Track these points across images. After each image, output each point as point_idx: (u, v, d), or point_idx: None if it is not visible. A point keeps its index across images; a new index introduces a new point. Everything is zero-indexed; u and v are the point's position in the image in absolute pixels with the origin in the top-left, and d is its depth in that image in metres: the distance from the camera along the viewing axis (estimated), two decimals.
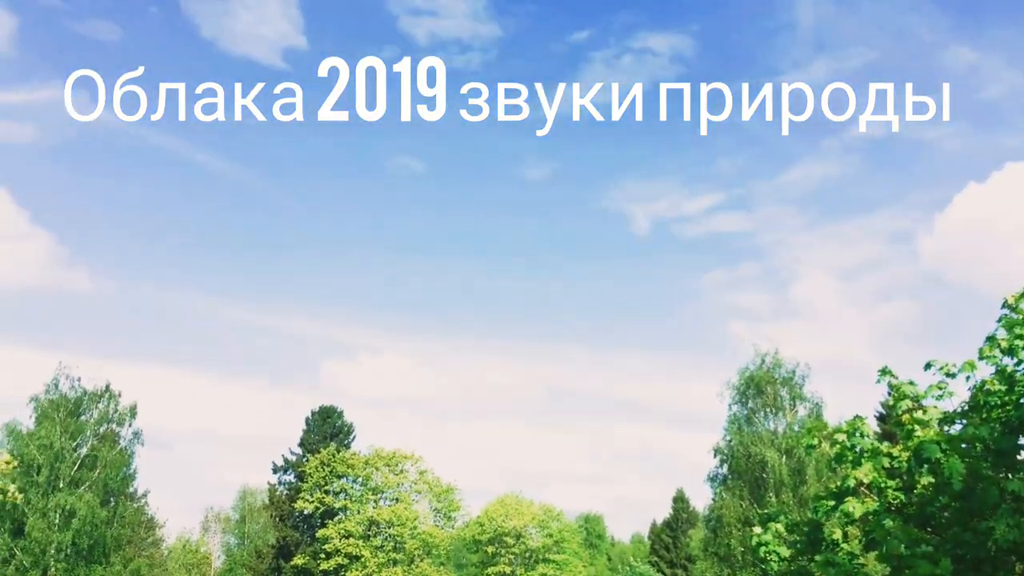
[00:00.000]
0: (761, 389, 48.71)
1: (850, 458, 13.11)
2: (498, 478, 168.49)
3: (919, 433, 12.52)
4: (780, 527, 14.42)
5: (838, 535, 13.35)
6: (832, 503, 13.14)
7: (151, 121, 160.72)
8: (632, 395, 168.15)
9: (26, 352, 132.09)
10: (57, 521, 47.16)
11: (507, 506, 75.31)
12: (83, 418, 50.27)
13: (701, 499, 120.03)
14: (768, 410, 48.38)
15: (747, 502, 45.74)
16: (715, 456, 49.49)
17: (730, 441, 48.68)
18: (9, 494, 18.26)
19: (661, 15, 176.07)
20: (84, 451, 49.51)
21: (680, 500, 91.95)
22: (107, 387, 51.70)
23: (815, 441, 13.88)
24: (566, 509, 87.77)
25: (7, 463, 18.20)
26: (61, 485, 47.95)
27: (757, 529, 14.61)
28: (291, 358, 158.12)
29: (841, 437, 13.23)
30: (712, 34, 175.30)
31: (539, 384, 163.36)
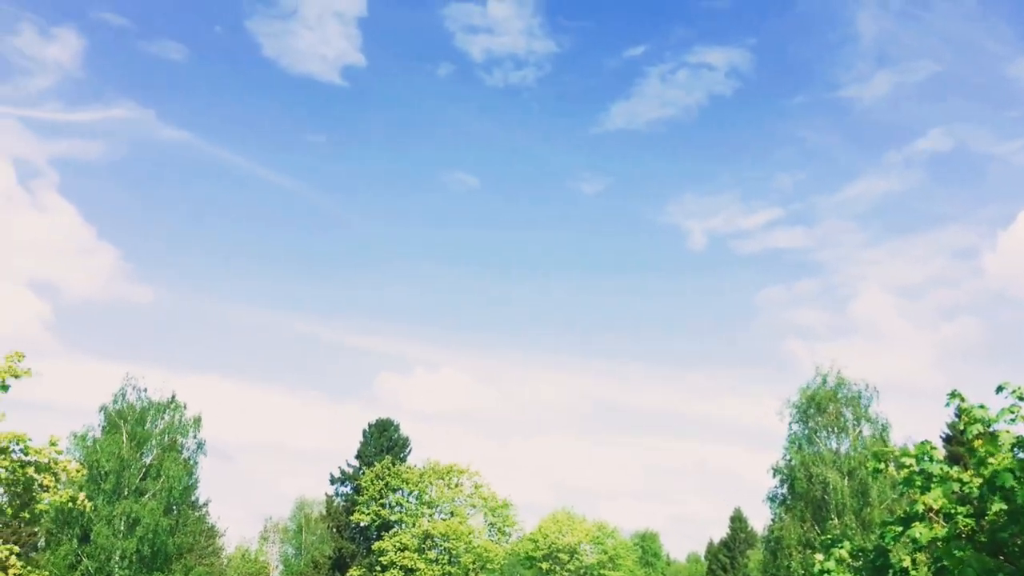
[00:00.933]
0: (823, 408, 47.71)
1: (919, 483, 12.75)
2: (552, 493, 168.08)
3: (992, 460, 12.12)
4: (844, 553, 14.05)
5: (907, 562, 12.96)
6: (899, 528, 12.77)
7: (213, 138, 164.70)
8: (688, 412, 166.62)
9: (94, 363, 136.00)
10: (122, 528, 48.08)
11: (560, 522, 74.95)
12: (149, 428, 51.21)
13: (760, 519, 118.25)
14: (830, 430, 47.36)
15: (808, 524, 44.75)
16: (774, 476, 48.58)
17: (790, 461, 47.74)
18: (79, 501, 18.73)
19: (718, 29, 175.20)
20: (149, 460, 50.47)
21: (738, 519, 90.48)
22: (172, 398, 52.63)
23: (881, 465, 13.55)
24: (621, 526, 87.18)
25: (77, 471, 18.72)
26: (126, 493, 48.90)
27: (819, 556, 14.26)
28: (348, 371, 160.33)
29: (909, 461, 12.88)
30: (770, 48, 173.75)
31: (594, 400, 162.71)
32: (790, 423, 48.99)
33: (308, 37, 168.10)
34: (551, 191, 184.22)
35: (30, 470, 17.61)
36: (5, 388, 17.11)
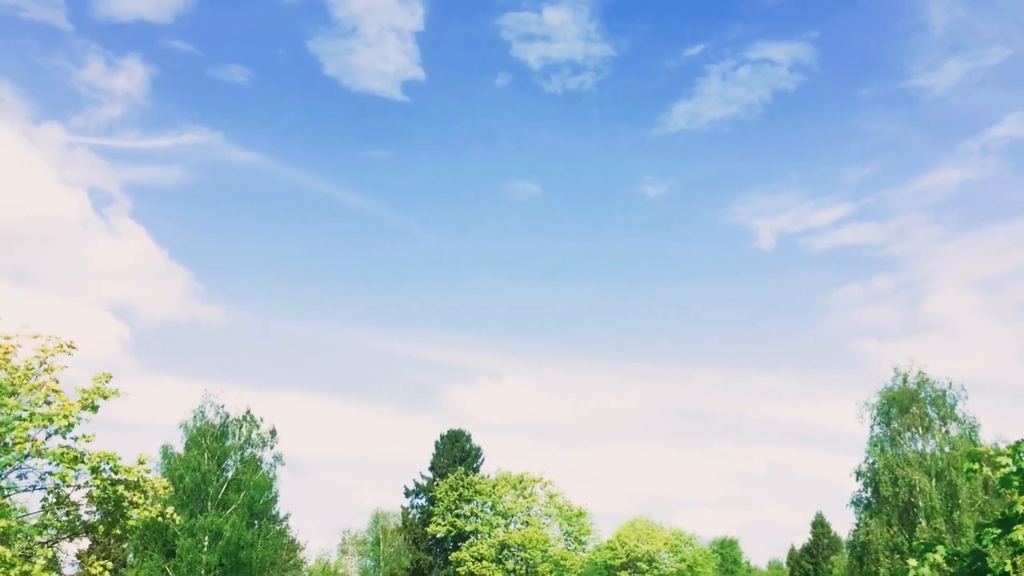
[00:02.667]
0: (906, 409, 46.35)
1: (1016, 483, 12.23)
2: (627, 502, 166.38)
3: None
4: (939, 558, 13.51)
5: (1007, 566, 12.43)
6: (998, 531, 12.26)
7: (279, 158, 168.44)
8: (762, 415, 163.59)
9: (171, 381, 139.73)
10: (205, 542, 49.06)
11: (638, 530, 74.23)
12: (228, 443, 52.26)
13: (842, 524, 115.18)
14: (914, 431, 45.94)
15: (895, 528, 43.40)
16: (857, 479, 47.31)
17: (873, 464, 46.46)
18: (168, 515, 19.20)
19: (779, 24, 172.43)
20: (230, 475, 51.48)
21: (820, 525, 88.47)
22: (248, 413, 53.67)
23: (976, 466, 13.04)
24: (698, 534, 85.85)
25: (164, 488, 19.19)
26: (209, 507, 49.94)
27: (912, 561, 13.74)
28: (415, 383, 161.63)
29: (1005, 461, 12.37)
30: (834, 40, 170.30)
31: (665, 406, 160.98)
32: (871, 425, 47.74)
33: (368, 54, 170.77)
34: (614, 195, 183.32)
35: (120, 488, 18.13)
36: (95, 409, 17.69)
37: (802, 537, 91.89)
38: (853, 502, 47.45)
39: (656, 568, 72.84)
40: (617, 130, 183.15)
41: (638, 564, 72.40)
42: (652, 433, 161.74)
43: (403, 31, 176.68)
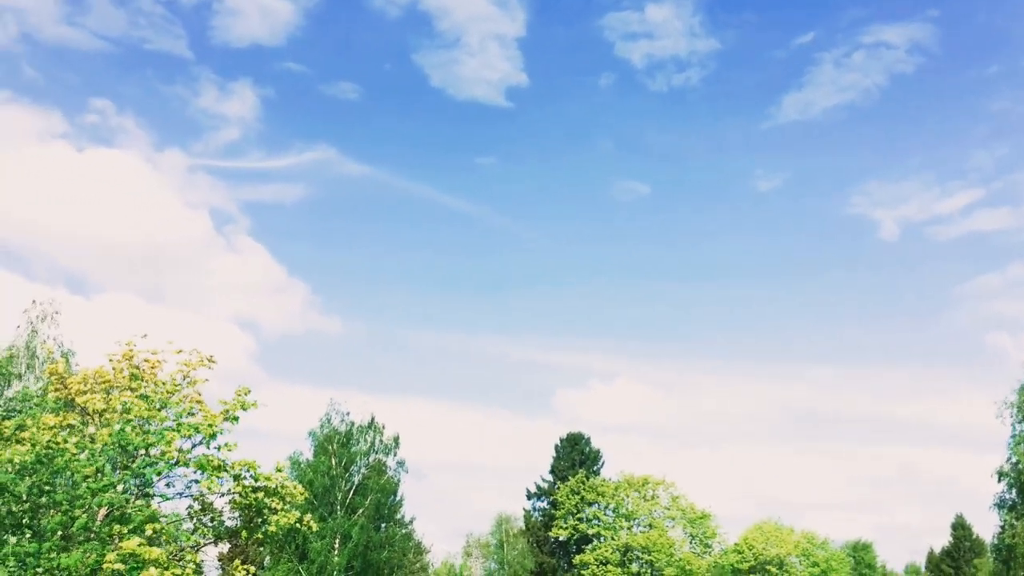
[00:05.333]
0: None
1: None
2: (749, 505, 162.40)
3: None
4: None
5: None
6: None
7: (389, 169, 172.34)
8: (888, 414, 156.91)
9: (294, 390, 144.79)
10: (335, 545, 50.58)
11: (766, 533, 72.43)
12: (354, 449, 53.79)
13: (985, 526, 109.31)
14: None
15: None
16: (1000, 480, 44.99)
17: (1016, 463, 44.08)
18: (305, 521, 19.95)
19: (894, 5, 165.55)
20: (357, 480, 52.95)
21: (960, 527, 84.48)
22: (372, 420, 55.10)
23: None
24: (829, 537, 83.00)
25: (301, 494, 19.96)
26: (337, 511, 51.48)
27: None
28: (528, 387, 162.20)
29: None
30: (955, 18, 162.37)
31: (785, 406, 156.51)
32: (1013, 423, 45.35)
33: (471, 63, 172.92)
34: (725, 192, 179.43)
35: (260, 494, 18.96)
36: (235, 420, 18.56)
37: (941, 540, 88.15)
38: (997, 504, 45.16)
39: (786, 572, 70.87)
40: (725, 125, 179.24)
41: (768, 568, 70.59)
42: (771, 434, 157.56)
43: (505, 38, 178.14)
